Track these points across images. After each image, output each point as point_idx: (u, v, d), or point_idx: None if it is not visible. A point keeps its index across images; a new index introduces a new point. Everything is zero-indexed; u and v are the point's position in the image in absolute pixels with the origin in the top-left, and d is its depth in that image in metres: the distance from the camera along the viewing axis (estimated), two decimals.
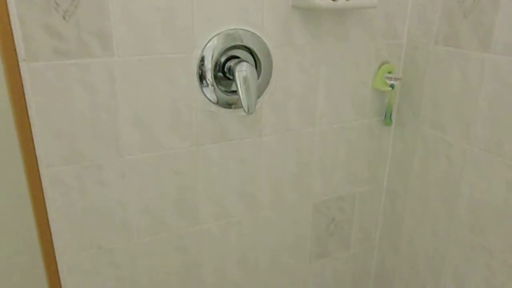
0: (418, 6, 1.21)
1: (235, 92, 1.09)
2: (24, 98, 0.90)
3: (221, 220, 1.21)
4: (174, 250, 1.18)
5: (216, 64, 1.05)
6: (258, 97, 1.13)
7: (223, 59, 1.06)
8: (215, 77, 1.06)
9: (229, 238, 1.24)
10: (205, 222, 1.19)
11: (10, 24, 0.84)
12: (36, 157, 0.94)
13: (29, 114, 0.92)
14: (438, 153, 1.22)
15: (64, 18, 0.88)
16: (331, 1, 1.02)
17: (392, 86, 1.25)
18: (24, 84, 0.89)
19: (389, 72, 1.26)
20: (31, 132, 0.92)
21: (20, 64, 0.87)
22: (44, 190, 0.98)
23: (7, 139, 0.89)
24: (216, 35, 1.03)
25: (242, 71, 1.01)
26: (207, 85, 1.06)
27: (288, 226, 1.33)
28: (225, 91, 1.08)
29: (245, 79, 1.01)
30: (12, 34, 0.85)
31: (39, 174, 0.96)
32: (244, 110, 1.01)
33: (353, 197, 1.40)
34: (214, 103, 1.08)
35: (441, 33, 1.15)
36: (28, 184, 0.94)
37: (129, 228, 1.10)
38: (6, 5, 0.83)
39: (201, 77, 1.05)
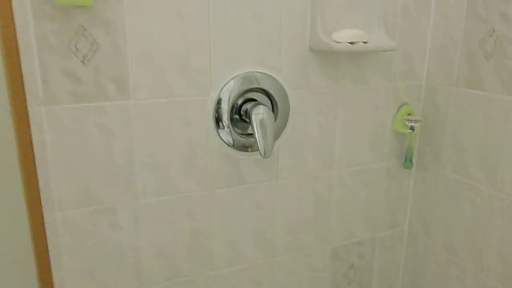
0: (437, 48, 1.20)
1: (251, 134, 1.07)
2: (31, 142, 0.89)
3: (235, 265, 1.17)
4: None
5: (232, 107, 1.04)
6: (275, 140, 1.11)
7: (239, 102, 1.05)
8: (231, 119, 1.05)
9: (243, 284, 1.19)
10: (219, 267, 1.15)
11: (21, 70, 0.85)
12: (40, 202, 0.93)
13: (45, 157, 0.91)
14: (462, 198, 1.17)
15: (83, 63, 0.89)
16: (349, 44, 1.01)
17: (412, 128, 1.22)
18: (41, 126, 0.89)
19: (409, 114, 1.23)
20: (37, 178, 0.91)
21: (38, 107, 0.88)
22: (56, 233, 0.96)
23: (12, 184, 0.88)
24: (233, 78, 1.02)
25: (259, 114, 1.00)
26: (223, 128, 1.05)
27: (304, 272, 1.27)
28: (241, 133, 1.07)
29: (261, 122, 0.99)
30: (22, 80, 0.85)
31: (43, 221, 0.94)
32: (261, 154, 0.99)
33: (373, 242, 1.35)
34: (230, 145, 1.06)
35: (462, 75, 1.13)
36: (31, 228, 0.92)
37: (141, 272, 1.06)
38: (18, 51, 0.84)
39: (217, 120, 1.04)
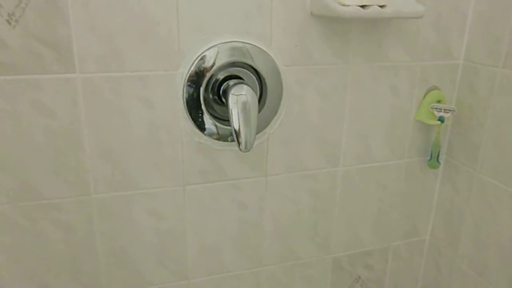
0: (481, 16, 0.93)
1: None
2: None
3: (213, 274, 0.98)
4: None
5: (208, 85, 0.83)
6: (264, 127, 0.89)
7: (219, 79, 0.84)
8: (207, 101, 0.84)
9: None
10: (194, 276, 0.97)
11: None
12: None
13: None
14: (502, 211, 0.92)
15: (9, 23, 0.70)
16: (360, 8, 0.77)
17: (441, 119, 0.97)
18: None
19: (438, 101, 0.98)
20: None
21: None
22: None
23: None
24: (208, 49, 0.81)
25: (242, 95, 0.78)
26: (197, 111, 0.84)
27: (299, 284, 1.07)
28: (219, 119, 0.86)
29: (244, 106, 0.78)
30: None
31: None
32: (239, 146, 0.78)
33: (385, 253, 1.12)
34: (205, 133, 0.86)
35: None
36: None
37: (99, 280, 0.90)
38: None
39: (189, 101, 0.83)
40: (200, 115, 0.84)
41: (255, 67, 0.84)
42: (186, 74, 0.81)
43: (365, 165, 1.01)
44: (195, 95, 0.83)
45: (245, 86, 0.79)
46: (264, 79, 0.85)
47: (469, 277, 1.03)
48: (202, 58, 0.81)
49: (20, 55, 0.72)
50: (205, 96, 0.84)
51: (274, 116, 0.89)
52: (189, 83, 0.82)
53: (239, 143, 0.78)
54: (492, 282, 0.96)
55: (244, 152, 0.85)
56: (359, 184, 1.02)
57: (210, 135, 0.86)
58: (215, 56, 0.81)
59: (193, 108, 0.84)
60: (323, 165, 0.97)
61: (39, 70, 0.74)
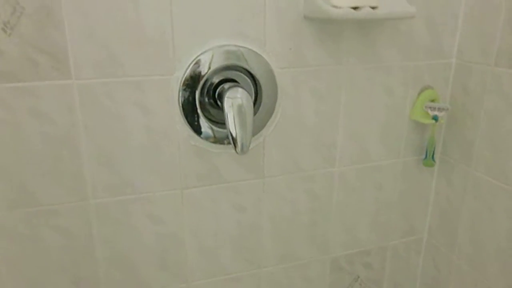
0: (473, 15, 0.94)
1: None
2: None
3: (212, 277, 0.99)
4: None
5: (203, 89, 0.84)
6: (260, 130, 0.90)
7: (214, 82, 0.85)
8: (203, 104, 0.85)
9: None
10: (193, 278, 0.98)
11: None
12: None
13: None
14: (497, 208, 0.93)
15: (4, 31, 0.71)
16: (352, 10, 0.77)
17: (435, 118, 0.98)
18: None
19: (432, 101, 0.99)
20: None
21: None
22: None
23: None
24: (203, 53, 0.81)
25: (237, 98, 0.79)
26: (193, 115, 0.85)
27: (298, 285, 1.08)
28: (215, 122, 0.87)
29: (240, 109, 0.78)
30: None
31: None
32: (236, 149, 0.79)
33: (383, 252, 1.13)
34: (202, 137, 0.87)
35: (505, 50, 0.87)
36: None
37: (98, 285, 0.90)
38: None
39: (185, 105, 0.84)
40: (196, 118, 0.85)
41: (250, 70, 0.85)
42: (182, 78, 0.82)
43: (361, 165, 1.02)
44: (190, 99, 0.83)
45: (240, 89, 0.80)
46: (259, 82, 0.86)
47: (467, 274, 1.04)
48: (197, 62, 0.82)
49: (17, 63, 0.72)
50: (201, 99, 0.84)
51: (270, 118, 0.90)
52: (185, 87, 0.82)
53: (235, 146, 0.78)
54: (489, 278, 0.97)
55: (240, 155, 0.86)
56: (356, 184, 1.03)
57: (207, 138, 0.87)
58: (210, 60, 0.82)
59: (189, 112, 0.84)
60: (319, 165, 0.98)
61: (35, 77, 0.74)
